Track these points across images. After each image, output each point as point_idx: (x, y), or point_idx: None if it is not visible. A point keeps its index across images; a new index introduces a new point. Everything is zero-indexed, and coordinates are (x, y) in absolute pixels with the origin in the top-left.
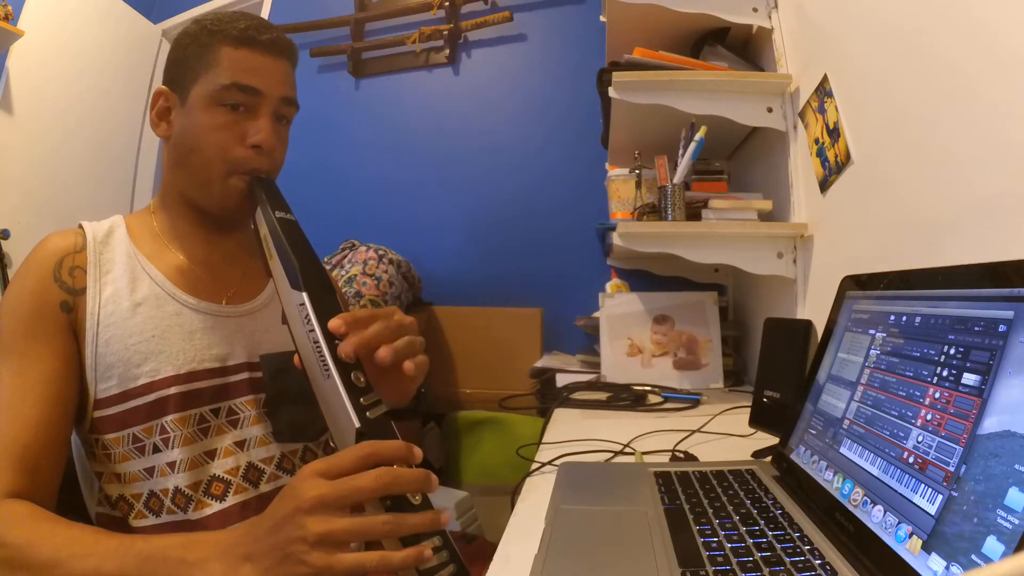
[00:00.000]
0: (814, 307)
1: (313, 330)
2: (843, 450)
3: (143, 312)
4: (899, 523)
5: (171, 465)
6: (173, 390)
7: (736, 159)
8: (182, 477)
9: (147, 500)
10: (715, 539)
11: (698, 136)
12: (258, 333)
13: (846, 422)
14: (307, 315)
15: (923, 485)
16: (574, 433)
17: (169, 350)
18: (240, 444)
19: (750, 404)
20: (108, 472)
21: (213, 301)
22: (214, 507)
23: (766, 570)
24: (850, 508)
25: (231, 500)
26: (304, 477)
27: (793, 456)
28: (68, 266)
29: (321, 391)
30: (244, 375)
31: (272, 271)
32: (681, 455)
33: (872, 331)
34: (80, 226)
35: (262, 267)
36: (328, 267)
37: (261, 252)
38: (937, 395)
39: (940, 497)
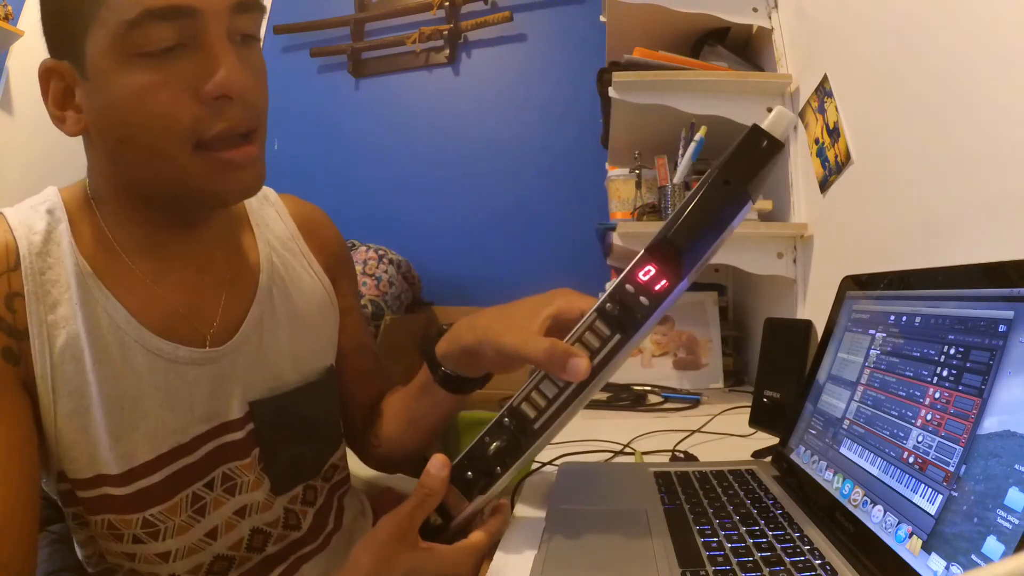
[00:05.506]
0: (814, 307)
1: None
2: (843, 450)
3: (106, 371)
4: (899, 523)
5: (163, 556)
6: (156, 477)
7: None
8: (180, 565)
9: None
10: (715, 539)
11: (698, 136)
12: (250, 370)
13: (846, 422)
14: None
15: (923, 485)
16: (574, 433)
17: (144, 425)
18: (241, 512)
19: (750, 404)
20: (83, 538)
21: (194, 343)
22: None
23: (766, 570)
24: (850, 508)
25: (234, 573)
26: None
27: (793, 456)
28: (3, 294)
29: (560, 426)
30: (239, 434)
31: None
32: (681, 455)
33: (872, 331)
34: (2, 216)
35: (248, 271)
36: None
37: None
38: (937, 395)
39: (940, 497)
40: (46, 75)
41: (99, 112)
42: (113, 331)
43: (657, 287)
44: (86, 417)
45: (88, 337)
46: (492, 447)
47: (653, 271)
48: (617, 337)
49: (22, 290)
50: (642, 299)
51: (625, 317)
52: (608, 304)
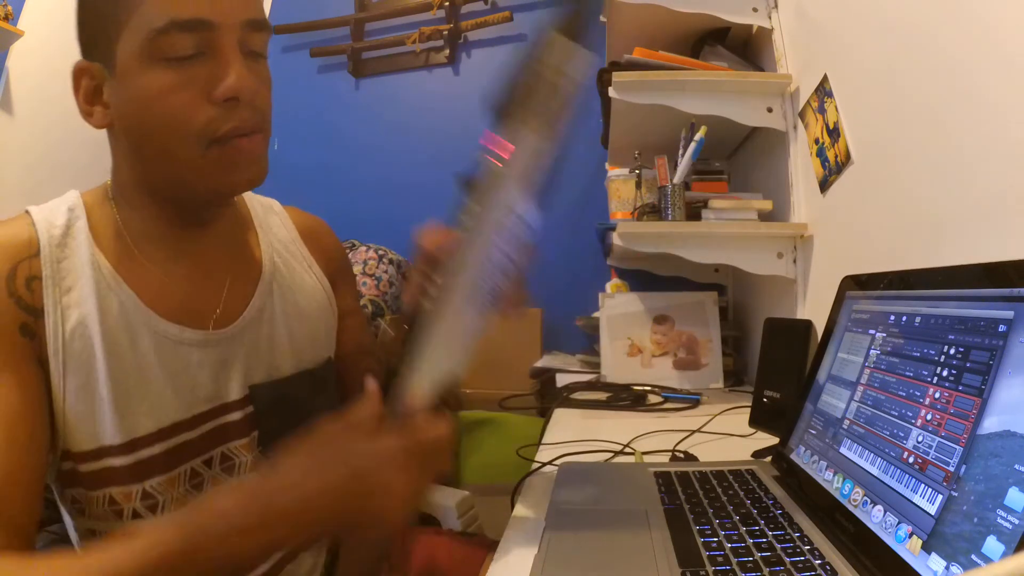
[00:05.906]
0: (814, 307)
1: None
2: (843, 450)
3: (114, 350)
4: (899, 523)
5: None
6: (157, 448)
7: (736, 159)
8: None
9: None
10: (715, 539)
11: (698, 136)
12: (251, 356)
13: (846, 422)
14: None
15: (923, 485)
16: (574, 433)
17: (148, 401)
18: None
19: (750, 404)
20: (80, 526)
21: (198, 327)
22: None
23: (766, 570)
24: (850, 508)
25: None
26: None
27: (793, 456)
28: (24, 276)
29: (455, 316)
30: (237, 414)
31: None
32: (681, 455)
33: (872, 331)
34: (27, 213)
35: (251, 267)
36: None
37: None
38: (937, 395)
39: (940, 497)
40: (79, 74)
41: (123, 107)
42: (122, 315)
43: (498, 150)
44: (92, 392)
45: (98, 319)
46: (401, 351)
47: (496, 135)
48: (476, 206)
49: (40, 274)
50: (491, 164)
51: (478, 182)
52: (466, 178)
